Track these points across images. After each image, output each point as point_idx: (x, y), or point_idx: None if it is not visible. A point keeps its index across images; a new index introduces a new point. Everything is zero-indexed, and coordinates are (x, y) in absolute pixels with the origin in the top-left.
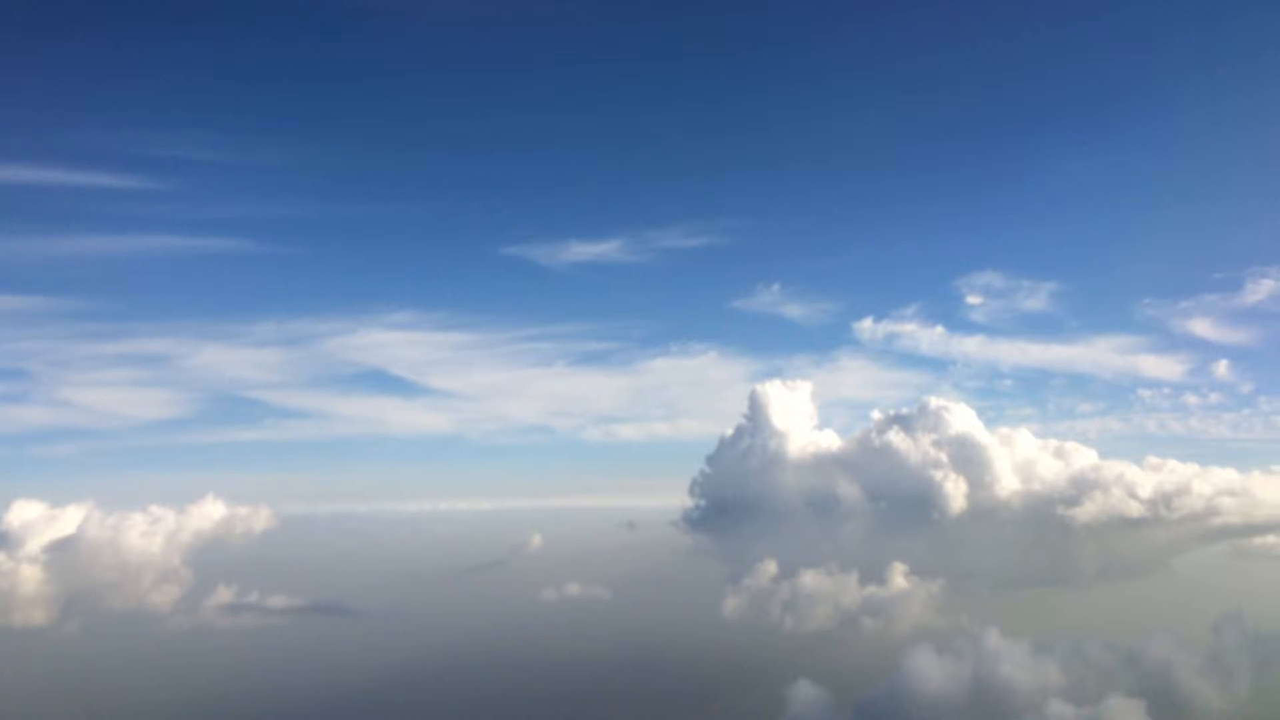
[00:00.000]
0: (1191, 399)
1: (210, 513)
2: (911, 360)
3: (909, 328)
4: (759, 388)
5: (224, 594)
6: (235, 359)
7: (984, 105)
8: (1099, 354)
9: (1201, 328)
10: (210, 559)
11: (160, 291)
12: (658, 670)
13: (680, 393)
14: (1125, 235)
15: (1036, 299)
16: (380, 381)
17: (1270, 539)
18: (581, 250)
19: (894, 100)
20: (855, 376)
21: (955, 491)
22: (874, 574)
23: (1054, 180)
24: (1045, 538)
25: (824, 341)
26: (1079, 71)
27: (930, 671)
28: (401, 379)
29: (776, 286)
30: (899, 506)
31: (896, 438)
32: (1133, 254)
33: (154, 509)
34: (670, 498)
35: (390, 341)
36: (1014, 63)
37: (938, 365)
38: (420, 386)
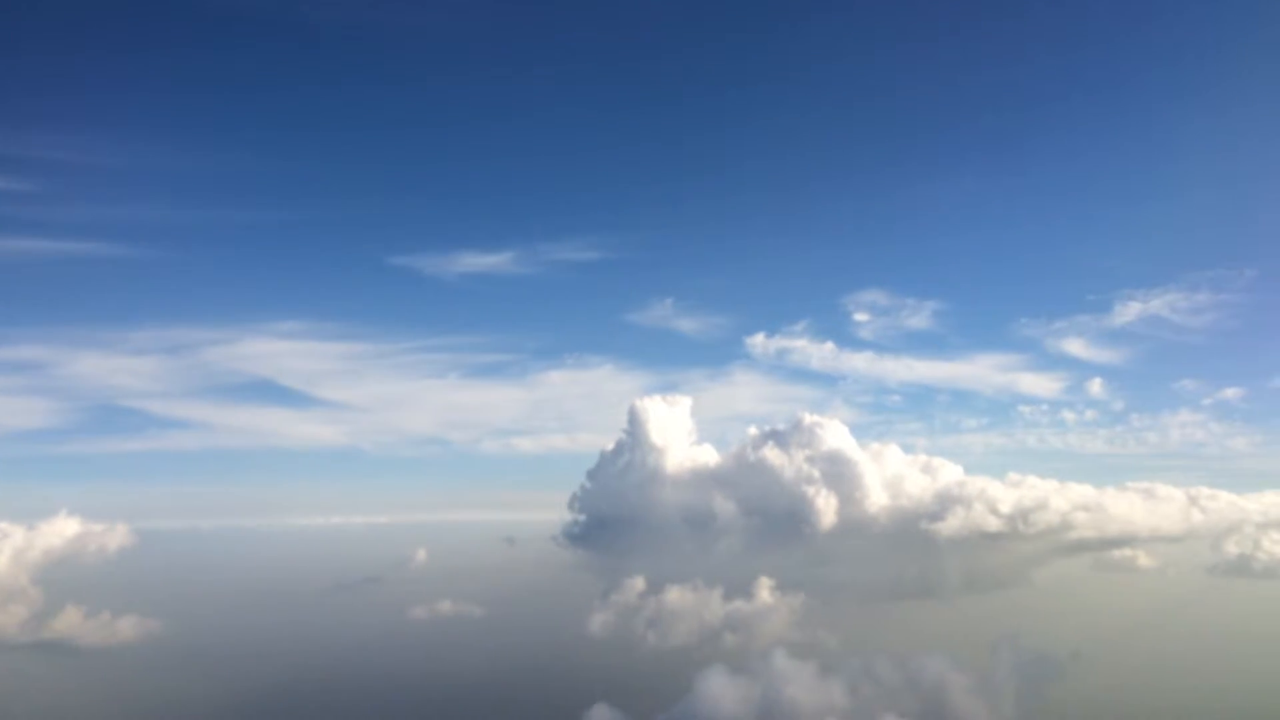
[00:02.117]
0: (1068, 415)
1: (62, 530)
2: (803, 375)
3: (800, 343)
4: (638, 403)
5: (73, 615)
6: (114, 367)
7: (867, 126)
8: (980, 371)
9: (1075, 347)
10: (63, 578)
11: (32, 297)
12: (509, 690)
13: (577, 405)
14: (1001, 256)
15: (920, 317)
16: (269, 392)
17: (1128, 551)
18: (472, 261)
19: (780, 119)
20: (749, 391)
21: (826, 507)
22: (743, 589)
23: (932, 201)
24: (912, 552)
25: (717, 356)
26: (953, 97)
27: (722, 693)
28: (291, 390)
29: (669, 301)
30: (772, 521)
31: (771, 454)
32: (1009, 275)
33: (2, 525)
34: (563, 512)
35: (278, 351)
36: (892, 87)
37: (829, 380)
38: (311, 398)
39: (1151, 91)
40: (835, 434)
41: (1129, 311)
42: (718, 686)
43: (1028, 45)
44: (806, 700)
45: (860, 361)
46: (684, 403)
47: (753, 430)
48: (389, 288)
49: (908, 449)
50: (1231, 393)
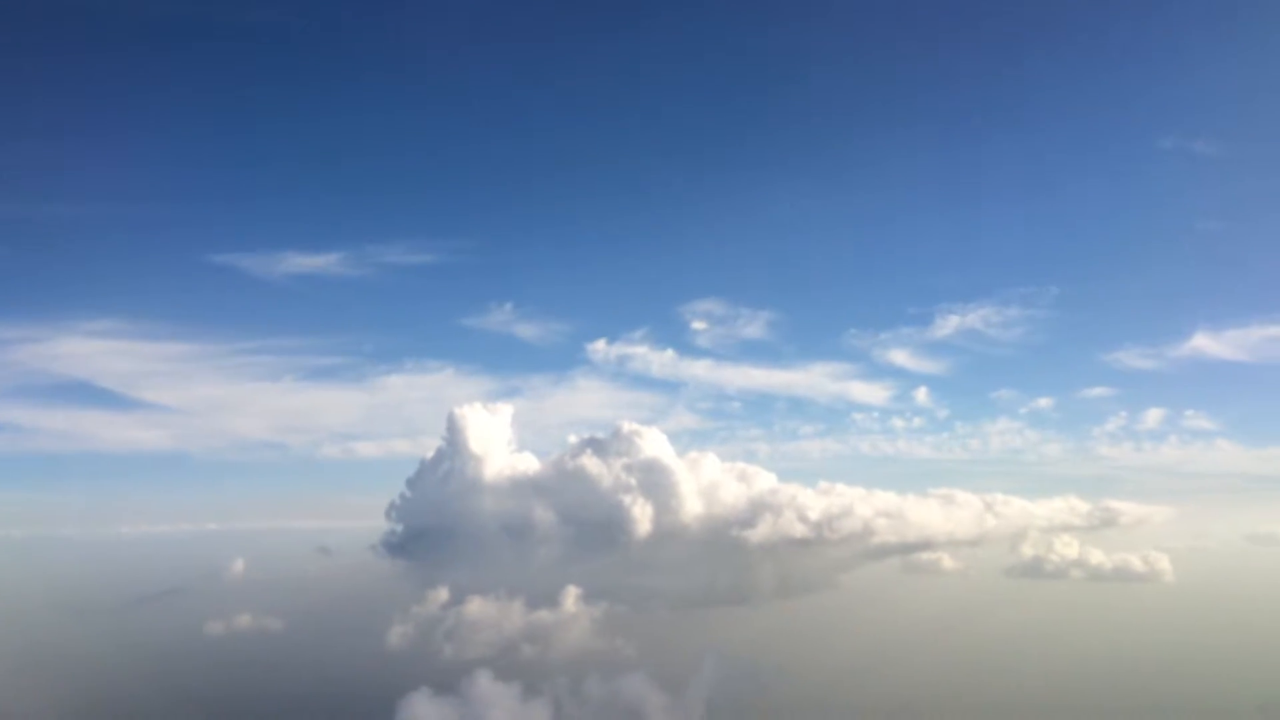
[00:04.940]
0: (898, 423)
1: None
2: (645, 382)
3: (640, 350)
4: (456, 410)
5: None
6: None
7: (700, 133)
8: (814, 379)
9: (900, 358)
10: None
11: None
12: (266, 706)
13: (418, 410)
14: (830, 268)
15: (755, 326)
16: (85, 394)
17: (932, 555)
18: (298, 262)
19: (616, 123)
20: (593, 397)
21: (642, 515)
22: (552, 598)
23: (763, 211)
24: (725, 558)
25: (559, 362)
26: (783, 107)
27: (425, 716)
28: (110, 391)
29: (509, 305)
30: (589, 530)
31: (590, 462)
32: (837, 286)
33: None
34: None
35: (93, 351)
36: (723, 95)
37: (670, 387)
38: (132, 400)
39: (968, 108)
40: (653, 443)
41: (948, 324)
42: (421, 710)
43: (851, 54)
44: None
45: (700, 369)
46: (505, 410)
47: (572, 438)
48: (211, 288)
49: (750, 456)
50: (1044, 402)
